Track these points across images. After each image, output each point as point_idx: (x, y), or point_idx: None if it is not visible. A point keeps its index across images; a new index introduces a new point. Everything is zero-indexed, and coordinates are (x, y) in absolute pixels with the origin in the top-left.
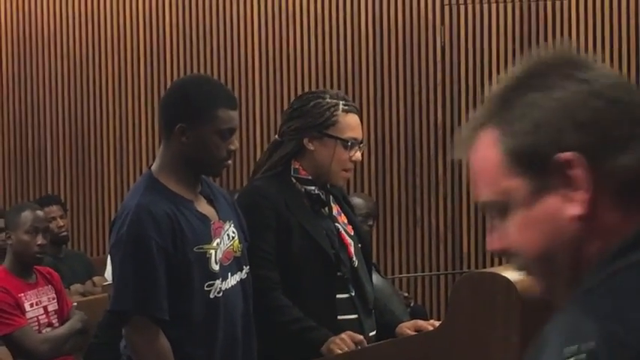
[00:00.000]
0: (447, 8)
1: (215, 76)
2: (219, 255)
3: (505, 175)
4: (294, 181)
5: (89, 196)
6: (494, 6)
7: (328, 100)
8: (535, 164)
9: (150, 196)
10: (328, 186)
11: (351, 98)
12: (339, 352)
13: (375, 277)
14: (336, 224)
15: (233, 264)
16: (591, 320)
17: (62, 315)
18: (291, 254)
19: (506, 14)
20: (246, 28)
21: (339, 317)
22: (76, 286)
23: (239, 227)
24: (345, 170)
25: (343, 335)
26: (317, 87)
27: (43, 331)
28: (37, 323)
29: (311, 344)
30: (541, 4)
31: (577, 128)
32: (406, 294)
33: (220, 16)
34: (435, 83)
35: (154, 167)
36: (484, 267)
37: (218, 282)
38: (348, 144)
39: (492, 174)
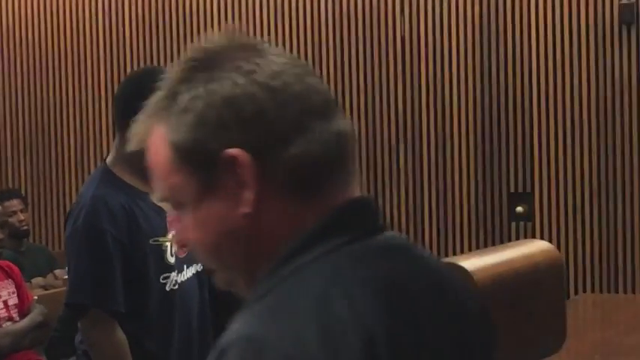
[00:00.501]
0: None
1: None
2: (175, 247)
3: (174, 171)
4: None
5: (50, 189)
6: None
7: None
8: (201, 161)
9: (105, 188)
10: None
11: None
12: None
13: None
14: None
15: (189, 256)
16: (247, 326)
17: (22, 309)
18: None
19: (465, 3)
20: (206, 18)
21: None
22: (38, 280)
23: None
24: None
25: None
26: None
27: (4, 325)
28: None
29: None
30: None
31: (241, 123)
32: None
33: (180, 5)
34: (395, 74)
35: (108, 159)
36: (446, 257)
37: (174, 274)
38: None
39: (163, 170)
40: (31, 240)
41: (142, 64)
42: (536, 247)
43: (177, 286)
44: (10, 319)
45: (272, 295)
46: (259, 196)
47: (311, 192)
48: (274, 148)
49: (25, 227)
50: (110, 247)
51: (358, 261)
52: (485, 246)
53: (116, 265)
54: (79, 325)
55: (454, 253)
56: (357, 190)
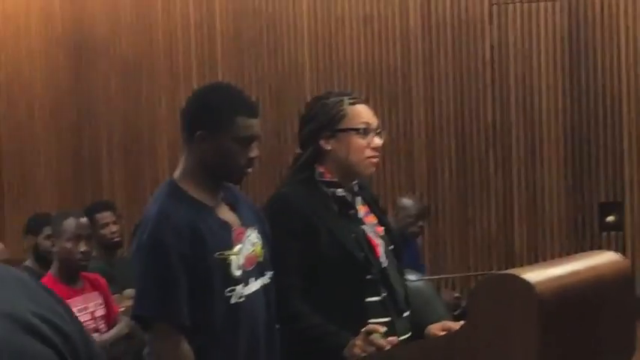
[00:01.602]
0: (495, 7)
1: (266, 80)
2: (241, 260)
3: None
4: (320, 185)
5: (144, 201)
6: (542, 4)
7: (332, 98)
8: None
9: (171, 203)
10: (356, 188)
11: (401, 99)
12: (362, 354)
13: (415, 279)
14: (363, 226)
15: (256, 269)
16: None
17: (109, 320)
18: (319, 259)
19: (554, 13)
20: (296, 29)
21: (371, 321)
22: (129, 291)
23: (262, 233)
24: (368, 158)
25: (361, 336)
26: (367, 88)
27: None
28: None
29: (332, 349)
30: (589, 1)
31: None
32: (457, 294)
33: (270, 17)
34: (484, 83)
35: (176, 174)
36: None
37: (239, 287)
38: (360, 131)
39: None
40: (123, 252)
41: (233, 78)
42: (603, 258)
43: (242, 299)
44: (97, 330)
45: None
46: None
47: None
48: None
49: (117, 239)
50: (175, 261)
51: None
52: (576, 253)
53: (181, 278)
54: (146, 337)
55: (545, 260)
56: None
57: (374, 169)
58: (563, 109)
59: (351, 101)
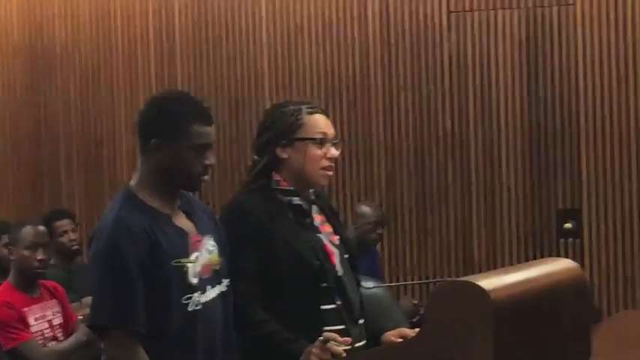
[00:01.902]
0: (453, 15)
1: (225, 86)
2: (198, 268)
3: None
4: (276, 193)
5: (102, 208)
6: (500, 12)
7: (291, 107)
8: None
9: (127, 210)
10: (312, 196)
11: (360, 106)
12: None
13: (372, 286)
14: (319, 235)
15: (212, 277)
16: None
17: (67, 329)
18: (275, 267)
19: (512, 21)
20: (255, 36)
21: (327, 328)
22: (88, 299)
23: (218, 241)
24: (324, 168)
25: (317, 344)
26: (326, 96)
27: (49, 344)
28: (42, 337)
29: (289, 356)
30: (547, 10)
31: None
32: (416, 301)
33: (229, 25)
34: (443, 90)
35: (132, 182)
36: None
37: (196, 295)
38: (317, 141)
39: None
40: (83, 259)
41: (192, 84)
42: (559, 265)
43: (200, 307)
44: (55, 338)
45: None
46: None
47: None
48: None
49: (76, 247)
50: (131, 268)
51: None
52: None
53: (137, 286)
54: (101, 345)
55: (503, 267)
56: None
57: (328, 180)
58: (521, 116)
59: (310, 110)
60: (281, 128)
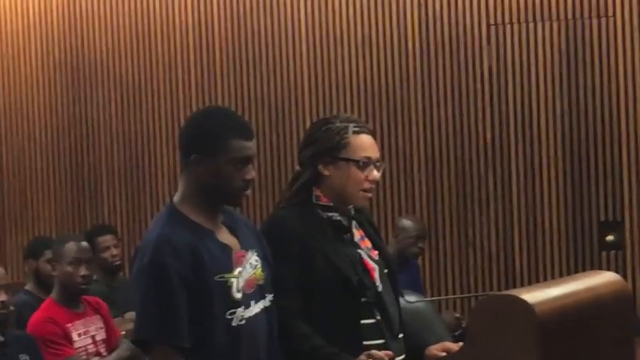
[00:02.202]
0: (492, 28)
1: (265, 102)
2: (241, 283)
3: None
4: (316, 208)
5: (144, 224)
6: (539, 25)
7: (338, 124)
8: None
9: (171, 226)
10: (352, 211)
11: (400, 119)
12: None
13: (415, 300)
14: (359, 250)
15: (256, 292)
16: None
17: (110, 344)
18: (315, 282)
19: (552, 33)
20: (295, 50)
21: (366, 343)
22: (130, 314)
23: (262, 256)
24: (364, 190)
25: (363, 357)
26: (366, 109)
27: None
28: (85, 352)
29: None
30: (587, 22)
31: None
32: (458, 314)
33: (269, 39)
34: (483, 102)
35: (175, 198)
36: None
37: (240, 310)
38: (360, 163)
39: None
40: (125, 274)
41: (232, 98)
42: (602, 278)
43: (244, 322)
44: (98, 354)
45: None
46: None
47: None
48: None
49: (118, 262)
50: (175, 284)
51: None
52: (576, 272)
53: (180, 301)
54: None
55: (545, 280)
56: None
57: (367, 202)
58: (562, 128)
59: (356, 130)
60: (326, 145)
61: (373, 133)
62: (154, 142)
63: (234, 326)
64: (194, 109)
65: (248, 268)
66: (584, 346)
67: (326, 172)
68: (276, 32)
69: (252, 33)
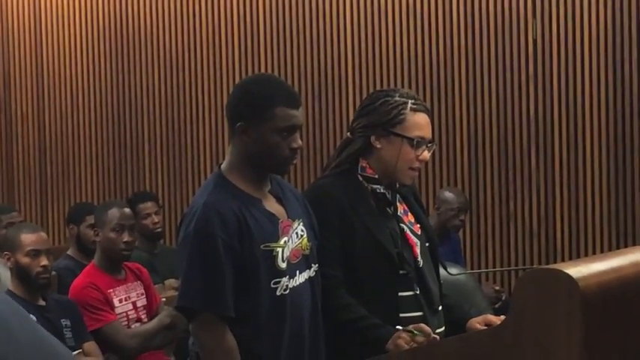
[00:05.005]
0: (538, 1)
1: (309, 72)
2: (287, 253)
3: None
4: (360, 179)
5: (185, 191)
6: None
7: (397, 98)
8: None
9: (218, 194)
10: (397, 185)
11: (443, 92)
12: (406, 347)
13: (457, 272)
14: (402, 224)
15: (302, 262)
16: None
17: (151, 310)
18: (354, 253)
19: (598, 5)
20: (339, 23)
21: (403, 315)
22: (171, 281)
23: (308, 226)
24: (412, 169)
25: (407, 329)
26: (409, 81)
27: (132, 326)
28: (126, 318)
29: (376, 341)
30: None
31: None
32: (497, 287)
33: (313, 12)
34: (527, 76)
35: (223, 166)
36: (578, 258)
37: (285, 279)
38: (414, 142)
39: None
40: (165, 242)
41: (275, 69)
42: None
43: (288, 291)
44: (139, 320)
45: None
46: None
47: None
48: None
49: (159, 229)
50: (221, 252)
51: None
52: (619, 248)
53: (226, 270)
54: (190, 327)
55: (587, 255)
56: None
57: (413, 181)
58: (606, 103)
59: (414, 107)
60: (381, 118)
61: (429, 112)
62: (197, 110)
63: (278, 295)
64: (237, 77)
65: (294, 238)
66: (628, 321)
67: (377, 145)
68: (320, 3)
69: (296, 3)
